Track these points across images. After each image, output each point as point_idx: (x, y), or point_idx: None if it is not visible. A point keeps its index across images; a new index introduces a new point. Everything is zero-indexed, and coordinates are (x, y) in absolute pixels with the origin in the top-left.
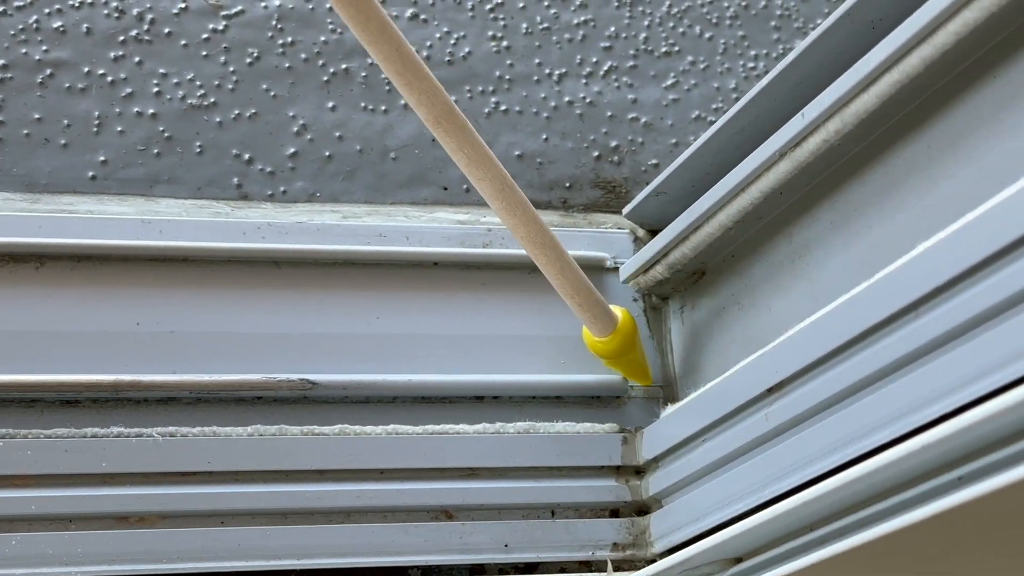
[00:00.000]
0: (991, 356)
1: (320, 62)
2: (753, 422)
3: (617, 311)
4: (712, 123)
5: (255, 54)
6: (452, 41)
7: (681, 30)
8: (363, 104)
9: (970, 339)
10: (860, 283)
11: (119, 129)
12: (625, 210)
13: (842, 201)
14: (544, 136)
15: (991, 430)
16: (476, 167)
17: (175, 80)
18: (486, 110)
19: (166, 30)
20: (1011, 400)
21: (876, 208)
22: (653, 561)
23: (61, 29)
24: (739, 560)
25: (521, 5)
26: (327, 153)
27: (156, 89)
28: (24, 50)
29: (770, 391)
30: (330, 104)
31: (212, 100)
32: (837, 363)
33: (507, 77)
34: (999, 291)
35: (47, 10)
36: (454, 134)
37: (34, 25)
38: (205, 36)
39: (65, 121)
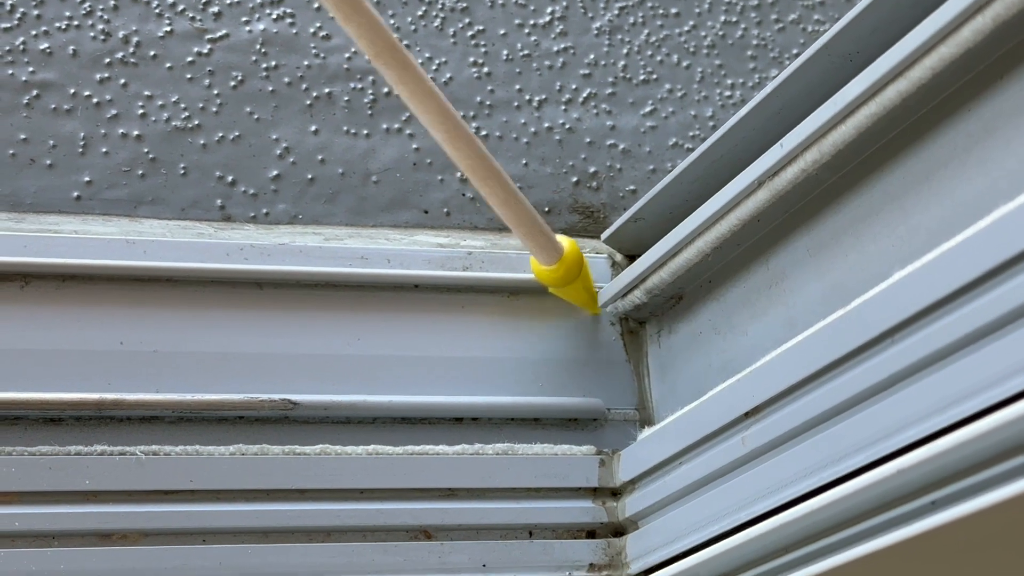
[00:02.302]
0: (965, 383)
1: (303, 86)
2: (729, 445)
3: (563, 240)
4: (690, 150)
5: (239, 77)
6: (434, 67)
7: (659, 58)
8: (345, 128)
9: (944, 366)
10: (836, 310)
11: (104, 150)
12: (604, 235)
13: (819, 229)
14: (524, 161)
15: (965, 455)
16: (418, 101)
17: (160, 102)
18: None
19: (151, 53)
20: (985, 426)
21: (852, 236)
22: None
23: (47, 51)
24: None
25: (502, 32)
26: (309, 176)
27: (141, 111)
28: (10, 71)
29: (747, 415)
30: (313, 128)
31: (196, 123)
32: (813, 388)
33: (488, 103)
34: (973, 319)
35: (34, 32)
36: (394, 68)
37: (20, 46)
38: (190, 59)
39: (51, 142)
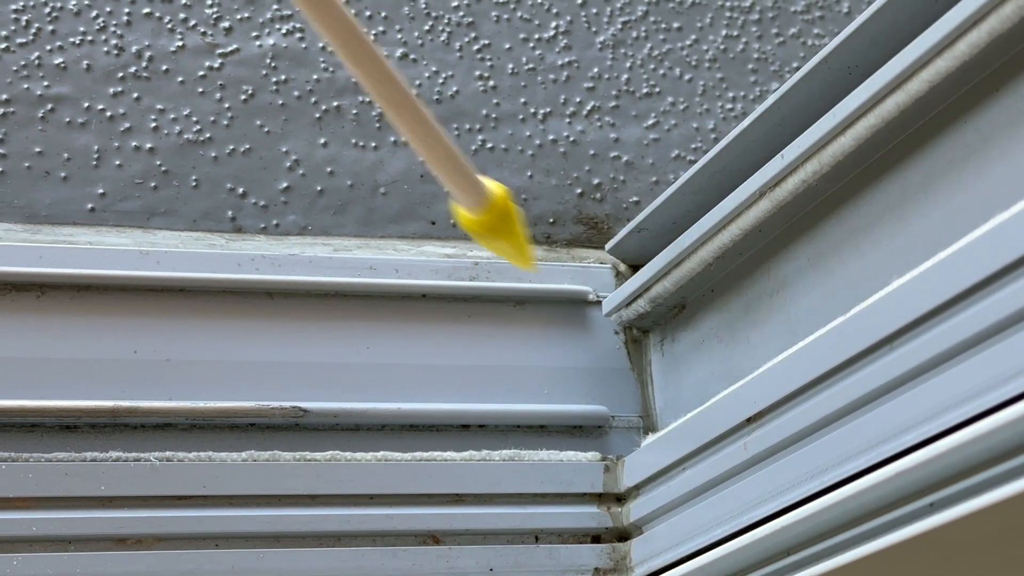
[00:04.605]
0: (963, 387)
1: (312, 99)
2: (732, 451)
3: (491, 185)
4: (692, 162)
5: (249, 91)
6: (440, 80)
7: (662, 72)
8: (354, 140)
9: (942, 371)
10: (836, 317)
11: (117, 163)
12: (608, 245)
13: (819, 239)
14: (529, 173)
15: (963, 458)
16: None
17: (172, 116)
18: (473, 147)
19: (164, 67)
20: (982, 429)
21: (851, 246)
22: None
23: (62, 65)
24: None
25: (507, 46)
26: (319, 188)
27: (154, 124)
28: (26, 85)
29: (749, 421)
30: (322, 140)
31: (208, 135)
32: (815, 394)
33: (493, 116)
34: (970, 325)
35: (48, 47)
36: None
37: (36, 61)
38: (201, 73)
39: (65, 155)
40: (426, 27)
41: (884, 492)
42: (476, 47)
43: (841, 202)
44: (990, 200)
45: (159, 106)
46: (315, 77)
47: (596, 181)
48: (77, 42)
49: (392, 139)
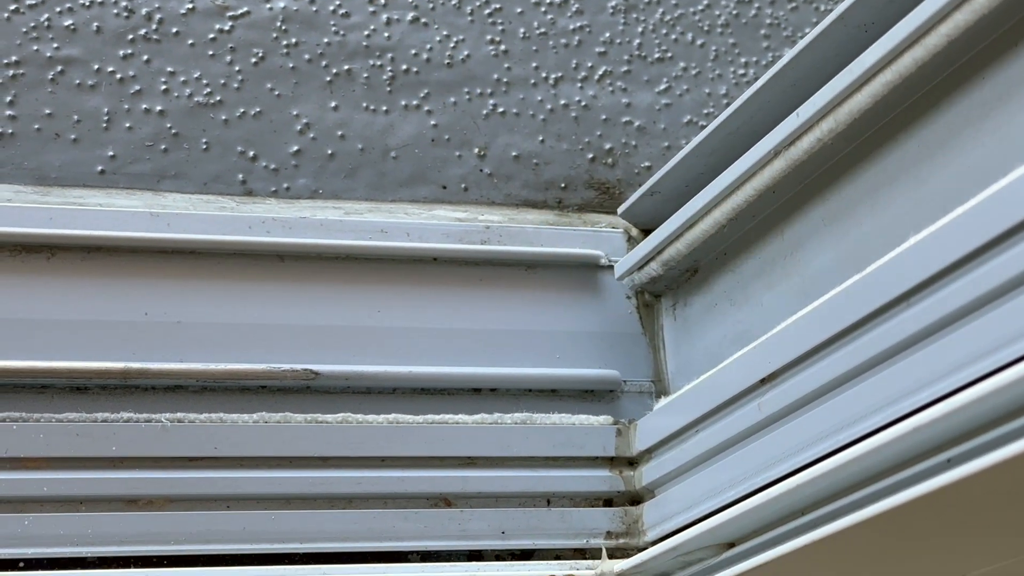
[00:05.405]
0: (980, 344)
1: (323, 63)
2: (746, 412)
3: None
4: (703, 127)
5: (260, 54)
6: (451, 44)
7: (674, 37)
8: (365, 104)
9: (959, 327)
10: (850, 277)
11: (127, 125)
12: (620, 209)
13: (834, 199)
14: (540, 138)
15: (981, 413)
16: None
17: (182, 78)
18: (484, 112)
19: (174, 30)
20: (1000, 383)
21: (867, 205)
22: (645, 549)
23: (72, 27)
24: (732, 545)
25: (519, 10)
26: (329, 151)
27: (164, 87)
28: (36, 47)
29: (763, 381)
30: (332, 104)
31: (218, 98)
32: (830, 352)
33: (505, 80)
34: (988, 280)
35: (58, 8)
36: None
37: (45, 23)
38: (212, 36)
39: (75, 117)
40: None
41: (901, 448)
42: (487, 11)
43: (856, 161)
44: (1008, 156)
45: (169, 68)
46: (326, 40)
47: (608, 146)
48: (87, 4)
49: (403, 103)
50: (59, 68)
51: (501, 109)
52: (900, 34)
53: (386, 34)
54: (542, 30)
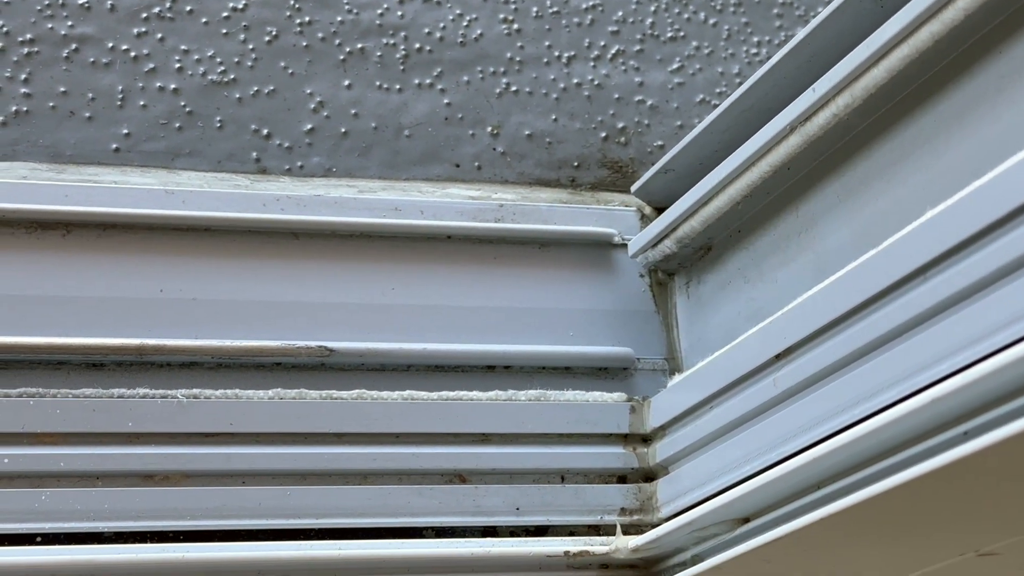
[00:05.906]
0: (996, 317)
1: (337, 41)
2: (761, 387)
3: None
4: (716, 106)
5: (273, 32)
6: (465, 23)
7: (686, 16)
8: (378, 83)
9: (976, 301)
10: (865, 253)
11: (142, 103)
12: (634, 187)
13: (849, 175)
14: (553, 116)
15: (998, 384)
16: None
17: (196, 56)
18: (497, 90)
19: (188, 8)
20: (1014, 355)
21: (882, 181)
22: (659, 525)
23: (86, 5)
24: (746, 520)
25: None
26: (343, 130)
27: (178, 65)
28: (50, 25)
29: (778, 357)
30: (346, 82)
31: (232, 77)
32: (846, 327)
33: (518, 59)
34: (1004, 254)
35: None
36: None
37: (60, 1)
38: (225, 14)
39: (90, 95)
40: None
41: (918, 421)
42: None
43: (872, 137)
44: (1023, 131)
45: (183, 47)
46: (339, 19)
47: (621, 125)
48: None
49: (416, 81)
50: (73, 46)
51: (514, 88)
52: (917, 8)
53: (399, 13)
54: (555, 9)
